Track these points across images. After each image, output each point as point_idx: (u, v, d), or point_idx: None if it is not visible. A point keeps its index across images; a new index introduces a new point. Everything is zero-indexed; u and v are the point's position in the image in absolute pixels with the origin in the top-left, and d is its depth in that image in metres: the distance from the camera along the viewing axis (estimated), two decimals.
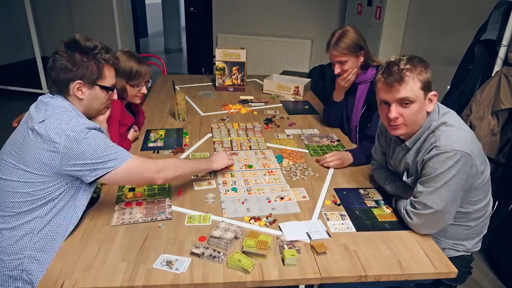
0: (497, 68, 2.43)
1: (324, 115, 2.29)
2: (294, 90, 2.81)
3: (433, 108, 1.31)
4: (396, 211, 1.42)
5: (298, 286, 1.28)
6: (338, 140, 2.06)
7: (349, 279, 1.14)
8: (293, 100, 2.76)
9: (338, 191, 1.57)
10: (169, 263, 1.15)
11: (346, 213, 1.41)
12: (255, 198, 1.50)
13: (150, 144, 1.97)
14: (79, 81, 1.25)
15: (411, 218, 1.30)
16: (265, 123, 2.29)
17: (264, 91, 2.90)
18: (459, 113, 2.51)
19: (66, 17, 5.94)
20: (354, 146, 2.00)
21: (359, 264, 1.17)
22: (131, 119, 1.97)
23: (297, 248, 1.22)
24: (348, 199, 1.50)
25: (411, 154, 1.37)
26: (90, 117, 1.35)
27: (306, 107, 2.61)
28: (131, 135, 1.95)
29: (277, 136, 2.11)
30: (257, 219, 1.36)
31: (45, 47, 5.78)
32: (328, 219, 1.38)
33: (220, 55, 2.81)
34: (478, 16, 2.70)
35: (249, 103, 2.63)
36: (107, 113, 1.45)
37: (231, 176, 1.66)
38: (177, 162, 1.51)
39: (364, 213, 1.42)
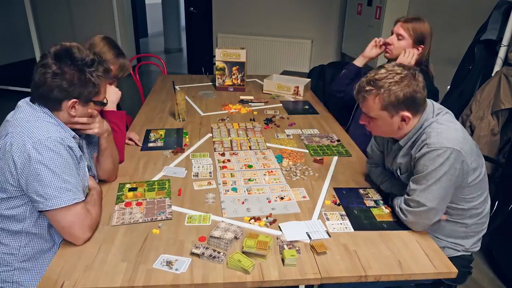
0: (497, 68, 2.43)
1: (337, 79, 2.25)
2: (294, 90, 2.81)
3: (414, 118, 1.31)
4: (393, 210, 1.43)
5: (298, 286, 1.28)
6: (338, 140, 2.06)
7: (349, 279, 1.14)
8: (293, 100, 2.76)
9: (338, 190, 1.57)
10: (169, 263, 1.15)
11: (346, 214, 1.42)
12: (255, 198, 1.50)
13: (150, 144, 1.97)
14: (75, 99, 1.20)
15: (405, 216, 1.32)
16: (265, 123, 2.29)
17: (264, 91, 2.90)
18: (459, 113, 2.52)
19: (66, 17, 5.94)
20: (354, 145, 2.01)
21: (359, 264, 1.17)
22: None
23: (297, 248, 1.22)
24: (347, 199, 1.51)
25: (403, 151, 1.39)
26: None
27: (306, 107, 2.61)
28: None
29: (277, 136, 2.11)
30: (257, 219, 1.36)
31: (45, 47, 5.78)
32: (328, 219, 1.38)
33: (220, 55, 2.81)
34: (478, 16, 2.70)
35: (249, 103, 2.63)
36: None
37: (231, 176, 1.66)
38: (99, 211, 1.33)
39: (363, 212, 1.42)
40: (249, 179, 1.63)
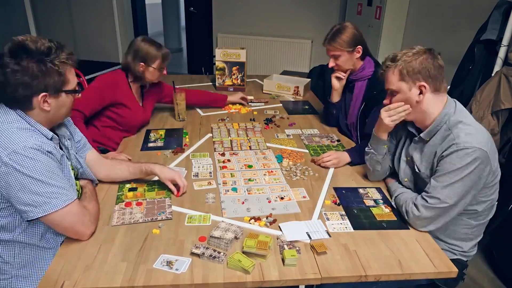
0: (497, 68, 2.43)
1: (323, 115, 2.30)
2: (294, 90, 2.81)
3: (433, 101, 1.36)
4: (394, 210, 1.43)
5: (298, 286, 1.28)
6: (338, 140, 2.06)
7: (349, 279, 1.14)
8: (293, 100, 2.76)
9: (338, 190, 1.57)
10: (169, 263, 1.15)
11: (345, 213, 1.42)
12: (255, 198, 1.50)
13: (150, 144, 1.97)
14: (44, 93, 1.13)
15: (419, 211, 1.31)
16: (265, 123, 2.29)
17: (264, 91, 2.90)
18: None
19: (66, 17, 5.94)
20: (353, 145, 2.00)
21: (359, 264, 1.17)
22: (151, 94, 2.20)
23: (297, 248, 1.22)
24: (347, 198, 1.51)
25: (428, 148, 1.39)
26: (55, 124, 1.27)
27: (306, 107, 2.61)
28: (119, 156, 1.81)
29: (277, 136, 2.11)
30: (257, 219, 1.36)
31: None
32: (328, 219, 1.38)
33: (220, 55, 2.81)
34: (478, 16, 2.70)
35: (249, 103, 2.63)
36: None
37: (231, 176, 1.66)
38: (97, 208, 1.33)
39: (363, 212, 1.43)
40: (249, 179, 1.63)
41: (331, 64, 2.01)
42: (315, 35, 5.11)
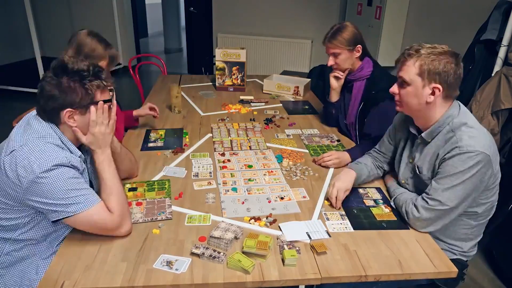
0: (497, 68, 2.43)
1: (323, 115, 2.31)
2: (294, 90, 2.81)
3: (436, 101, 1.32)
4: (394, 210, 1.43)
5: (298, 286, 1.28)
6: (338, 140, 2.06)
7: (349, 279, 1.14)
8: (293, 100, 2.76)
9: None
10: (169, 263, 1.15)
11: (345, 213, 1.42)
12: (255, 198, 1.50)
13: (150, 144, 1.97)
14: (69, 109, 1.18)
15: (419, 212, 1.31)
16: (265, 123, 2.29)
17: (264, 91, 2.90)
18: None
19: (66, 17, 5.95)
20: (354, 145, 2.00)
21: (359, 264, 1.17)
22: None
23: (297, 248, 1.22)
24: (347, 198, 1.50)
25: (429, 149, 1.38)
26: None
27: (306, 107, 2.61)
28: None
29: (277, 136, 2.11)
30: (257, 219, 1.36)
31: (45, 47, 5.79)
32: (328, 219, 1.38)
33: (220, 55, 2.82)
34: (478, 16, 2.70)
35: (249, 103, 2.63)
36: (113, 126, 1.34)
37: (231, 176, 1.66)
38: (125, 200, 1.31)
39: (362, 212, 1.43)
40: (249, 179, 1.63)
41: (330, 62, 2.01)
42: (315, 35, 5.11)
